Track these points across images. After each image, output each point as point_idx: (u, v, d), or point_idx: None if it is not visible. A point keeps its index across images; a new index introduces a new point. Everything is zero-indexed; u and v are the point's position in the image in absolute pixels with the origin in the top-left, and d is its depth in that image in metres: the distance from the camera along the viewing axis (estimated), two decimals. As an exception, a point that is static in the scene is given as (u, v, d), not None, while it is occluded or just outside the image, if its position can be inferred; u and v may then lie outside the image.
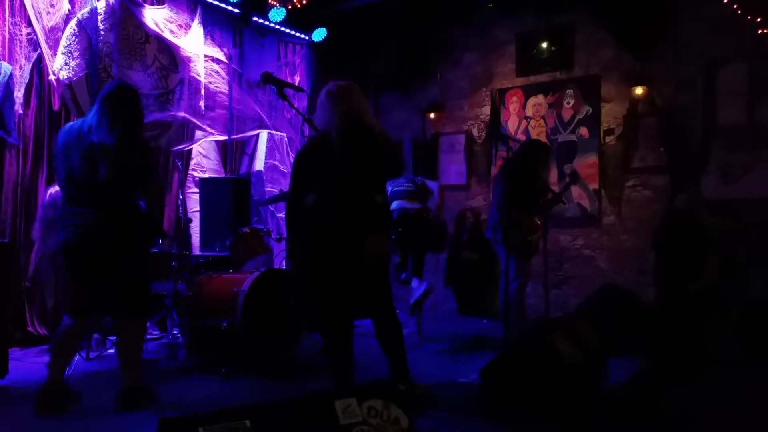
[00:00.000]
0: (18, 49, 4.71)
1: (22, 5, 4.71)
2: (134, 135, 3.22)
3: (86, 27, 5.04)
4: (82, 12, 5.03)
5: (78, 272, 3.26)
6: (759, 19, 5.39)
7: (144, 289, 3.36)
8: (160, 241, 4.67)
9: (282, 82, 3.09)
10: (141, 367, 3.39)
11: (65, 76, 4.89)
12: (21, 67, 4.73)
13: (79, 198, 3.20)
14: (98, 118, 3.20)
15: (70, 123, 3.44)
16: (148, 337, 4.97)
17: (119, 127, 3.15)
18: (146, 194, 3.26)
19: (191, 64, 5.93)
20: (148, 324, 5.03)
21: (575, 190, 6.43)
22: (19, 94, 4.70)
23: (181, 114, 5.80)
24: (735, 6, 5.47)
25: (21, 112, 4.75)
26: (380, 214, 3.18)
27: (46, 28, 4.82)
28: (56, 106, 5.01)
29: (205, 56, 6.08)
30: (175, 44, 5.78)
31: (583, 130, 6.49)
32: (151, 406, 3.25)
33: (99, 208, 3.16)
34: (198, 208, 5.73)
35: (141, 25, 5.51)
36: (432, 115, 7.42)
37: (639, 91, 6.12)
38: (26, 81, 4.78)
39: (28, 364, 4.33)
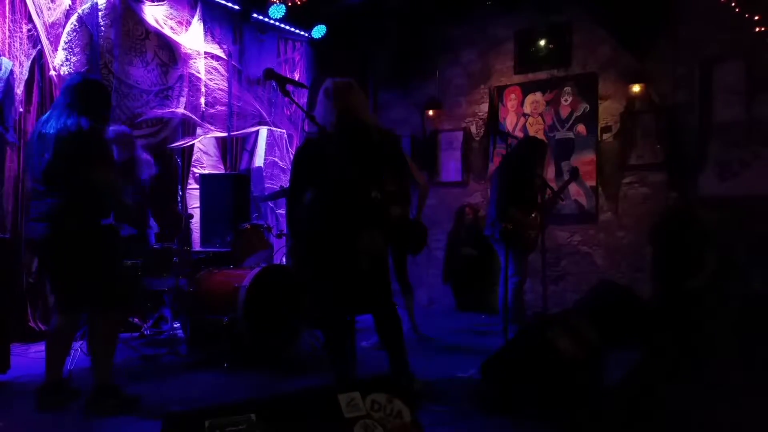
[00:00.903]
0: (18, 45, 4.72)
1: (23, 1, 4.72)
2: (82, 124, 3.09)
3: (87, 23, 5.05)
4: (83, 8, 5.05)
5: (45, 267, 3.24)
6: (756, 17, 5.42)
7: (107, 282, 3.19)
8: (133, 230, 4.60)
9: (284, 78, 3.10)
10: (110, 365, 3.23)
11: (66, 72, 4.91)
12: (21, 64, 4.73)
13: (35, 191, 3.19)
14: (50, 111, 3.22)
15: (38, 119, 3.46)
16: (148, 332, 5.01)
17: (67, 117, 3.10)
18: (89, 184, 3.11)
19: (191, 61, 5.95)
20: (144, 320, 5.11)
21: (573, 187, 6.47)
22: (18, 90, 4.71)
23: (181, 110, 5.83)
24: (732, 4, 5.50)
25: (21, 110, 4.75)
26: (377, 212, 3.18)
27: (47, 23, 4.84)
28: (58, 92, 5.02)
29: (205, 53, 6.10)
30: (175, 41, 5.79)
31: (581, 128, 6.52)
32: (121, 409, 3.14)
33: (48, 201, 3.11)
34: (198, 205, 5.75)
35: (141, 21, 5.53)
36: (430, 112, 7.45)
37: (636, 88, 6.15)
38: (26, 78, 4.79)
39: (30, 359, 4.33)
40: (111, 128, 4.86)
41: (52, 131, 3.09)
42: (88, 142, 3.10)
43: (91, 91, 3.25)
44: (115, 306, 3.26)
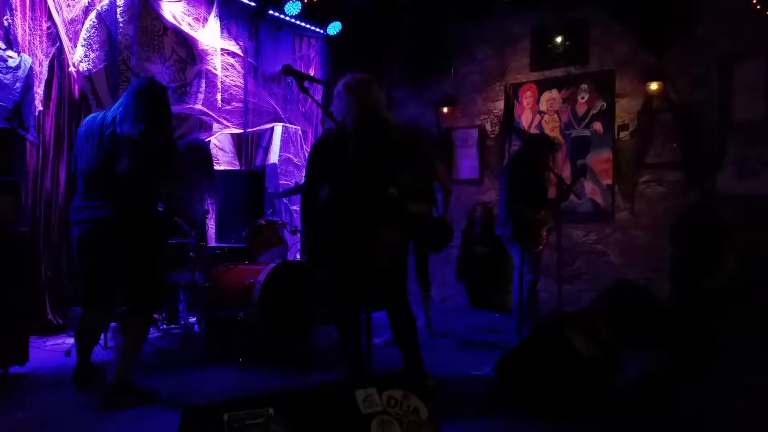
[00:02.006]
0: (38, 43, 4.77)
1: (43, -1, 4.77)
2: (161, 131, 3.17)
3: (106, 19, 5.09)
4: (102, 4, 5.09)
5: (87, 265, 3.26)
6: (777, 15, 5.36)
7: (153, 286, 3.27)
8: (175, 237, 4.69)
9: (302, 74, 3.10)
10: (134, 363, 3.28)
11: (85, 68, 4.95)
12: (41, 63, 4.78)
13: (94, 190, 3.19)
14: (124, 110, 3.17)
15: (93, 114, 3.42)
16: (164, 327, 5.04)
17: (146, 121, 3.11)
18: (166, 191, 3.27)
19: (208, 58, 5.98)
20: (157, 316, 5.15)
21: (588, 186, 6.43)
22: (39, 90, 4.75)
23: (198, 107, 5.86)
24: (753, 1, 5.43)
25: (41, 108, 4.79)
26: (394, 209, 3.15)
27: (66, 20, 4.88)
28: (77, 95, 5.07)
29: (222, 50, 6.13)
30: (192, 37, 5.83)
31: (597, 126, 6.48)
32: (140, 404, 3.18)
33: (114, 202, 3.13)
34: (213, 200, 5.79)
35: (159, 18, 5.56)
36: (445, 110, 7.43)
37: (654, 86, 6.10)
38: (45, 77, 4.83)
39: (48, 351, 4.40)
40: (187, 139, 4.99)
41: (134, 133, 3.07)
42: (169, 150, 3.20)
43: (161, 96, 3.29)
44: (157, 308, 3.37)
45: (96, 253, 3.22)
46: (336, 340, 4.44)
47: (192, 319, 4.74)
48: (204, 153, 4.83)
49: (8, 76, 4.49)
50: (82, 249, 3.24)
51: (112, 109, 3.27)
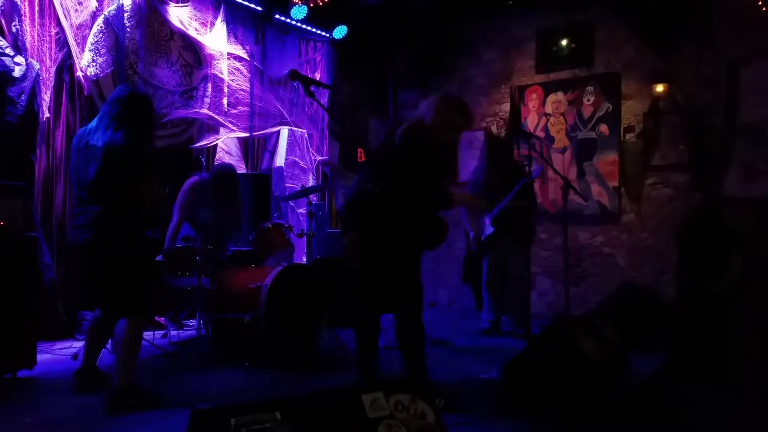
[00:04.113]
0: (46, 49, 4.79)
1: (51, 5, 4.79)
2: (134, 139, 3.17)
3: (113, 24, 5.12)
4: (109, 9, 5.11)
5: (82, 270, 3.36)
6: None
7: (135, 289, 3.26)
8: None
9: (309, 79, 3.12)
10: (133, 367, 3.29)
11: (92, 73, 4.98)
12: (48, 69, 4.80)
13: (80, 198, 3.28)
14: (98, 119, 3.27)
15: (83, 127, 3.49)
16: (171, 330, 5.06)
17: (118, 130, 3.15)
18: (133, 197, 3.19)
19: (215, 62, 6.01)
20: (164, 320, 5.17)
21: (595, 188, 6.42)
22: (46, 97, 4.78)
23: (205, 111, 5.88)
24: (759, 3, 5.41)
25: (48, 115, 4.81)
26: (437, 225, 3.25)
27: (74, 25, 4.91)
28: (85, 101, 5.09)
29: (228, 54, 6.15)
30: (199, 41, 5.85)
31: (603, 128, 6.47)
32: (144, 408, 3.19)
33: (92, 209, 3.19)
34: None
35: (166, 22, 5.59)
36: (451, 112, 7.41)
37: (660, 88, 6.08)
38: (53, 83, 4.85)
39: (55, 356, 4.42)
40: (216, 165, 5.04)
41: (99, 143, 3.14)
42: (134, 156, 3.17)
43: (138, 105, 3.30)
44: (141, 312, 3.33)
45: (83, 258, 3.34)
46: (342, 343, 4.46)
47: (194, 322, 4.74)
48: (234, 179, 4.84)
49: (14, 89, 4.55)
50: (76, 254, 3.40)
51: (95, 119, 3.33)
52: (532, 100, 6.95)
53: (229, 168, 4.96)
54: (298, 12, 6.42)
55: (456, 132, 3.48)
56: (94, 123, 3.29)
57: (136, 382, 3.29)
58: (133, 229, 3.26)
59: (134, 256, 3.27)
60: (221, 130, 6.15)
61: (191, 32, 5.77)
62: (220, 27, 6.06)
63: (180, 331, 5.19)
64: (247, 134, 6.37)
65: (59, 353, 4.48)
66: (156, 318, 5.21)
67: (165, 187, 4.37)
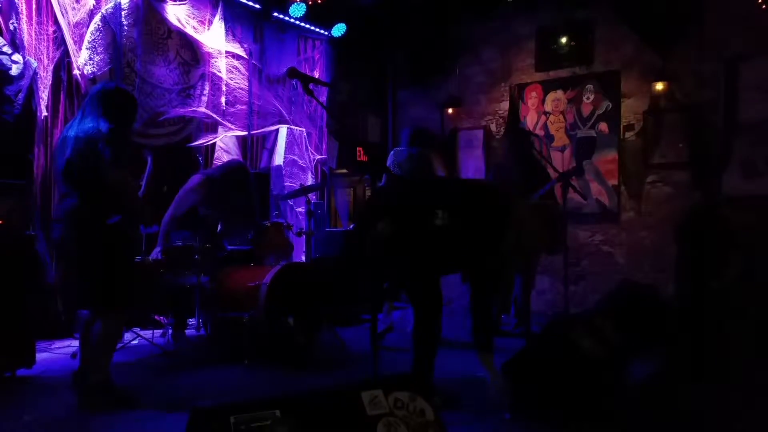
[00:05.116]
0: (44, 48, 4.78)
1: (48, 3, 4.78)
2: (99, 127, 3.13)
3: (110, 22, 5.10)
4: (106, 7, 5.09)
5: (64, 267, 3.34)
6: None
7: (106, 284, 3.19)
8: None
9: (307, 77, 3.13)
10: (106, 365, 3.25)
11: (89, 71, 4.96)
12: (45, 68, 4.79)
13: (60, 194, 3.29)
14: (76, 115, 3.31)
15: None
16: (170, 329, 5.04)
17: (87, 123, 3.16)
18: (99, 185, 3.13)
19: (213, 60, 5.99)
20: (163, 319, 5.15)
21: (594, 186, 6.42)
22: (44, 95, 4.76)
23: (202, 109, 5.87)
24: (759, 1, 5.41)
25: (47, 114, 4.80)
26: None
27: (72, 23, 4.89)
28: (84, 91, 5.07)
29: (226, 52, 6.14)
30: (197, 40, 5.83)
31: (603, 126, 6.46)
32: (117, 407, 3.16)
33: (67, 201, 3.18)
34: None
35: (164, 21, 5.57)
36: (450, 111, 7.42)
37: (660, 86, 6.08)
38: (51, 81, 4.83)
39: (54, 355, 4.41)
40: (225, 163, 5.01)
41: (71, 134, 3.18)
42: (104, 143, 3.11)
43: (114, 97, 3.28)
44: (114, 308, 3.25)
45: (59, 253, 3.41)
46: (341, 341, 4.45)
47: (193, 321, 4.73)
48: (246, 176, 4.82)
49: (12, 87, 4.53)
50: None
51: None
52: (532, 99, 6.94)
53: (239, 163, 4.94)
54: (297, 10, 6.40)
55: None
56: (73, 119, 3.34)
57: (110, 380, 3.25)
58: (104, 220, 3.18)
59: (106, 250, 3.19)
60: (219, 128, 6.13)
61: (189, 30, 5.75)
62: (218, 25, 6.04)
63: (179, 329, 5.18)
64: (245, 133, 6.36)
65: (58, 352, 4.48)
66: (154, 316, 5.20)
67: (163, 186, 4.36)
